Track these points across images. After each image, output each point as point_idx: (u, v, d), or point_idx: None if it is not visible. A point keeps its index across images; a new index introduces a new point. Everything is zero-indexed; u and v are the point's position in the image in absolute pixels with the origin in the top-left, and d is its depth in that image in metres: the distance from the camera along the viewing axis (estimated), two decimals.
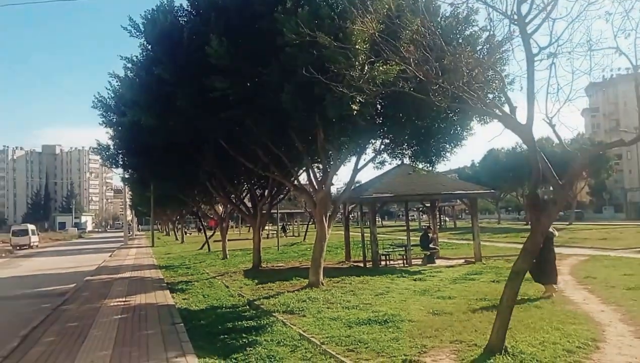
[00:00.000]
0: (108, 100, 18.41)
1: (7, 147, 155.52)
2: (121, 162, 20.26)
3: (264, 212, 20.44)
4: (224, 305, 12.36)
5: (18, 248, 49.96)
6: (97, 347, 8.38)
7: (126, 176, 49.05)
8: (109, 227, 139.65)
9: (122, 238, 67.24)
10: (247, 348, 8.11)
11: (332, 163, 14.44)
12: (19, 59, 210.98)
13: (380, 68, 9.25)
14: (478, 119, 13.83)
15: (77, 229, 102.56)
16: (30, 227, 56.46)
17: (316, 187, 14.42)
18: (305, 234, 39.27)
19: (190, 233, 55.97)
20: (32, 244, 53.27)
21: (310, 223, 40.09)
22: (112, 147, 19.93)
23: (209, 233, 38.33)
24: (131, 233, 67.66)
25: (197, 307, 12.36)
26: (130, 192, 57.60)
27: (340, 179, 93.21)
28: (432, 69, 7.08)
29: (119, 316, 11.12)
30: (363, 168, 15.32)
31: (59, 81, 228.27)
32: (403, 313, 9.92)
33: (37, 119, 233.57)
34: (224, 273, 19.30)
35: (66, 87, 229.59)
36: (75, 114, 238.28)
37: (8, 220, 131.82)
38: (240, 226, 64.53)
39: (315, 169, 15.80)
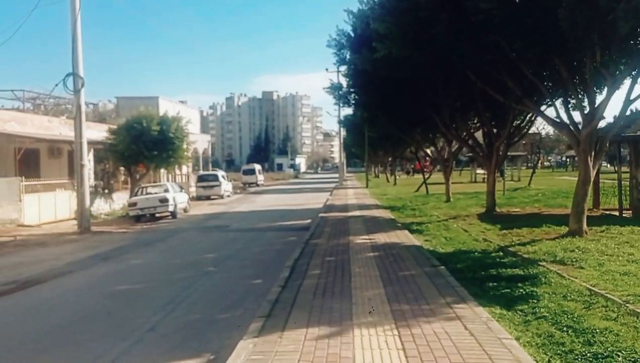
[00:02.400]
0: (342, 38, 18.38)
1: (233, 94, 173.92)
2: (353, 101, 20.32)
3: (501, 152, 18.78)
4: (474, 250, 11.45)
5: (247, 186, 55.33)
6: (366, 284, 8.13)
7: (345, 118, 50.32)
8: (319, 168, 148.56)
9: (333, 179, 70.66)
10: (529, 301, 7.10)
11: (602, 92, 12.25)
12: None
13: None
14: None
15: (293, 170, 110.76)
16: (257, 166, 62.05)
17: (581, 121, 12.40)
18: (531, 179, 36.26)
19: (399, 176, 55.98)
20: (258, 182, 58.67)
21: (536, 167, 36.83)
22: (344, 85, 20.09)
23: (418, 176, 37.61)
24: (339, 174, 70.60)
25: (444, 250, 11.65)
26: (344, 135, 59.59)
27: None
28: None
29: (372, 254, 10.92)
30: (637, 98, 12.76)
31: (275, 32, 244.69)
32: None
33: (256, 66, 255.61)
34: (455, 217, 18.36)
35: (283, 37, 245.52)
36: (288, 61, 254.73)
37: (235, 161, 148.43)
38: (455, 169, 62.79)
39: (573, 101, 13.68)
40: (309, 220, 20.26)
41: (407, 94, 18.29)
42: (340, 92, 20.50)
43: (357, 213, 21.00)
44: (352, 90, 20.27)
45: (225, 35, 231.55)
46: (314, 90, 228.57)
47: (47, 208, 21.82)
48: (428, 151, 37.76)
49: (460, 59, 12.18)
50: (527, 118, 19.21)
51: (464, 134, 20.96)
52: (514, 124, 18.52)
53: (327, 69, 54.76)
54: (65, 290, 9.79)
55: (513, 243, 12.08)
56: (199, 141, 44.57)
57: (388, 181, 54.40)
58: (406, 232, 14.61)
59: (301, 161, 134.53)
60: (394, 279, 8.38)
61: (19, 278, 10.77)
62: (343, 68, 19.88)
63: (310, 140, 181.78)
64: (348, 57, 19.34)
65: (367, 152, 48.66)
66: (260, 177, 61.01)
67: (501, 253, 11.00)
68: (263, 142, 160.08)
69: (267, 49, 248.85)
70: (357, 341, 5.51)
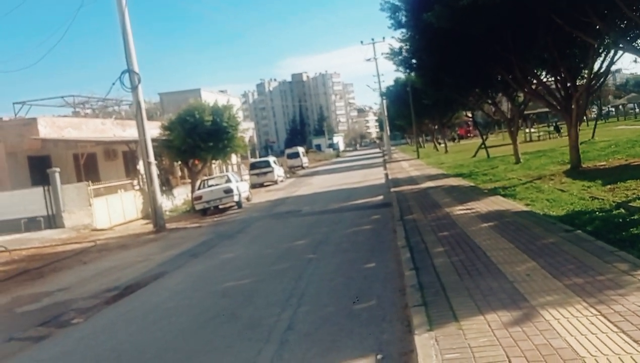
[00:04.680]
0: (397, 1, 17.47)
1: (263, 80, 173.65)
2: (414, 64, 19.39)
3: (581, 102, 17.51)
4: (591, 210, 10.47)
5: (293, 169, 54.87)
6: (509, 258, 7.32)
7: (388, 89, 49.19)
8: (357, 145, 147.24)
9: (375, 155, 69.66)
10: None
11: None
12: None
13: None
14: None
15: (333, 149, 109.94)
16: (301, 149, 61.58)
17: None
18: (594, 131, 34.46)
19: (444, 144, 54.49)
20: (303, 165, 58.21)
21: (598, 118, 34.92)
22: (403, 49, 19.15)
23: (464, 142, 36.24)
24: (386, 147, 69.39)
25: (557, 213, 10.70)
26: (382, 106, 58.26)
27: None
28: None
29: (485, 224, 10.08)
30: None
31: (294, 14, 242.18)
32: None
33: (280, 50, 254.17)
34: (540, 178, 17.26)
35: (303, 18, 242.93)
36: (311, 41, 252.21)
37: (273, 146, 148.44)
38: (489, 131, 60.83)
39: None
40: (380, 197, 19.54)
41: (475, 50, 17.25)
42: (400, 57, 19.58)
43: (430, 184, 20.11)
44: (410, 54, 19.33)
45: (247, 23, 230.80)
46: (342, 66, 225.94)
47: (116, 210, 21.74)
48: (499, 109, 36.33)
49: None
50: (605, 65, 17.86)
51: (538, 87, 19.68)
52: (595, 71, 17.22)
53: (362, 42, 53.43)
54: (171, 292, 9.34)
55: (629, 198, 11.05)
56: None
57: (437, 150, 53.03)
58: (500, 197, 13.68)
59: (339, 139, 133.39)
60: (536, 249, 7.55)
61: (118, 283, 10.42)
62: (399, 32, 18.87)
63: (344, 117, 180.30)
64: (404, 19, 18.41)
65: (414, 121, 47.39)
66: (305, 160, 60.56)
67: (623, 211, 10.02)
68: (298, 125, 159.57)
69: (289, 31, 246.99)
70: (557, 326, 4.75)
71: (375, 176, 30.77)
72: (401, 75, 48.79)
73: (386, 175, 29.64)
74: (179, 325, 7.22)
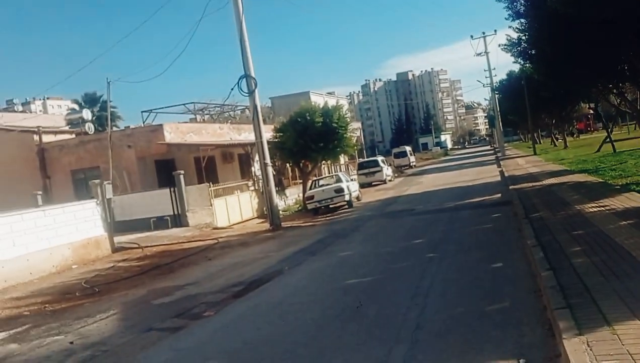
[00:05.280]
0: None
1: (368, 80, 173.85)
2: (534, 55, 18.32)
3: None
4: None
5: (401, 168, 54.17)
6: None
7: (500, 83, 47.16)
8: (466, 143, 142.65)
9: (486, 152, 66.96)
10: None
11: None
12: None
13: None
14: None
15: (440, 148, 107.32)
16: (408, 148, 60.69)
17: None
18: None
19: (557, 139, 50.99)
20: (411, 164, 57.33)
21: None
22: (522, 40, 18.17)
23: (584, 136, 33.52)
24: (497, 144, 66.45)
25: None
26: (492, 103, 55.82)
27: None
28: None
29: (623, 222, 9.14)
30: None
31: (396, 13, 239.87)
32: None
33: (384, 51, 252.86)
34: None
35: (407, 17, 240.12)
36: (415, 40, 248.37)
37: (378, 146, 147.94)
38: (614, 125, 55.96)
39: None
40: (498, 195, 18.68)
41: (603, 36, 15.91)
42: (519, 48, 18.61)
43: (552, 180, 18.87)
44: (530, 44, 18.27)
45: (352, 27, 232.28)
46: (448, 63, 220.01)
47: (234, 209, 22.73)
48: (612, 102, 33.55)
49: None
50: None
51: None
52: None
53: (472, 36, 51.58)
54: (294, 288, 9.53)
55: None
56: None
57: (554, 145, 49.87)
58: (635, 194, 12.45)
59: (446, 138, 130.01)
60: None
61: (243, 279, 10.81)
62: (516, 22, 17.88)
63: (452, 115, 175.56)
64: (522, 9, 17.43)
65: (530, 116, 44.89)
66: (412, 159, 59.65)
67: None
68: (404, 124, 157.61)
69: (394, 31, 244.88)
70: None
71: (489, 174, 29.53)
72: (515, 68, 46.52)
73: (501, 172, 28.33)
74: (306, 321, 7.30)
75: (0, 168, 25.50)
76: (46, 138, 26.64)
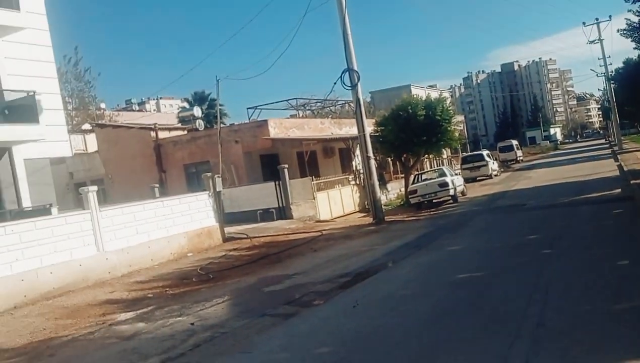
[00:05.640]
0: None
1: (470, 73, 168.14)
2: None
3: None
4: None
5: (507, 163, 51.86)
6: None
7: (616, 71, 44.03)
8: (578, 136, 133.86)
9: (600, 146, 62.20)
10: None
11: None
12: None
13: None
14: None
15: (549, 141, 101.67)
16: (514, 142, 58.17)
17: None
18: None
19: None
20: (517, 158, 54.80)
21: None
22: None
23: None
24: (612, 138, 61.72)
25: None
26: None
27: None
28: None
29: None
30: None
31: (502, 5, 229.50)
32: None
33: (486, 42, 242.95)
34: None
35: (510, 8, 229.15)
36: (518, 30, 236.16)
37: (482, 140, 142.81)
38: None
39: None
40: (618, 190, 17.33)
41: None
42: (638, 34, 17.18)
43: None
44: None
45: (452, 18, 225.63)
46: (557, 52, 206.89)
47: (336, 203, 22.98)
48: None
49: None
50: None
51: None
52: None
53: (584, 23, 48.27)
54: (403, 280, 9.44)
55: None
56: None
57: None
58: None
59: (556, 131, 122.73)
60: None
61: (349, 270, 10.88)
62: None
63: (562, 107, 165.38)
64: None
65: None
66: (519, 153, 57.10)
67: None
68: (509, 117, 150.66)
69: (496, 21, 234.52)
70: None
71: (606, 168, 27.45)
72: (633, 55, 42.88)
73: (619, 166, 26.27)
74: (417, 313, 7.21)
75: (124, 163, 27.66)
76: (161, 134, 28.42)
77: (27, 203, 16.69)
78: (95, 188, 14.16)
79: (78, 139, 31.38)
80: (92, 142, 31.47)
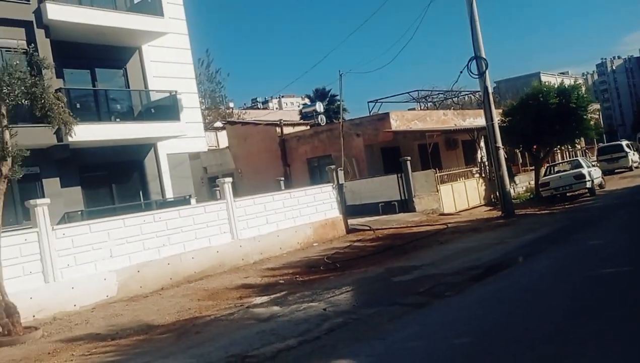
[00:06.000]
0: None
1: (604, 59, 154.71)
2: None
3: None
4: None
5: None
6: None
7: None
8: None
9: None
10: None
11: None
12: None
13: None
14: None
15: None
16: None
17: None
18: None
19: None
20: None
21: None
22: None
23: None
24: None
25: None
26: None
27: None
28: None
29: None
30: None
31: None
32: None
33: (622, 25, 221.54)
34: None
35: None
36: None
37: (618, 131, 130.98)
38: None
39: None
40: None
41: None
42: None
43: None
44: None
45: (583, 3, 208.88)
46: None
47: (460, 196, 22.35)
48: None
49: None
50: None
51: None
52: None
53: None
54: (539, 274, 8.99)
55: None
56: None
57: None
58: None
59: None
60: None
61: (480, 263, 10.56)
62: None
63: None
64: None
65: None
66: None
67: None
68: None
69: (629, 2, 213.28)
70: None
71: None
72: None
73: None
74: (558, 308, 6.84)
75: (251, 157, 29.12)
76: (286, 130, 29.46)
77: (169, 194, 18.20)
78: (230, 179, 15.03)
79: (210, 136, 33.45)
80: (222, 139, 33.47)
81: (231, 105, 49.94)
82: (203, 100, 37.52)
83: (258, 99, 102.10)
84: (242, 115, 45.62)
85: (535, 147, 25.59)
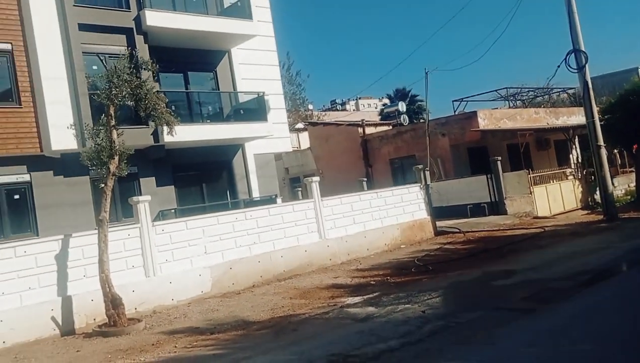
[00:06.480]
0: None
1: None
2: None
3: None
4: None
5: None
6: None
7: None
8: None
9: None
10: None
11: None
12: None
13: None
14: None
15: None
16: None
17: None
18: None
19: None
20: None
21: None
22: None
23: None
24: None
25: None
26: None
27: None
28: None
29: None
30: None
31: None
32: None
33: None
34: None
35: None
36: None
37: None
38: None
39: None
40: None
41: None
42: None
43: None
44: None
45: None
46: None
47: (555, 199, 21.17)
48: None
49: None
50: None
51: None
52: None
53: None
54: None
55: None
56: None
57: None
58: None
59: None
60: None
61: (588, 268, 9.86)
62: None
63: None
64: None
65: None
66: None
67: None
68: None
69: None
70: None
71: None
72: None
73: None
74: None
75: (333, 158, 29.15)
76: (367, 130, 29.23)
77: (255, 194, 18.52)
78: (317, 179, 14.98)
79: (292, 137, 33.91)
80: (304, 140, 33.79)
81: (310, 107, 50.45)
82: (284, 103, 38.14)
83: (337, 101, 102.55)
84: (321, 117, 45.92)
85: (635, 146, 23.80)
